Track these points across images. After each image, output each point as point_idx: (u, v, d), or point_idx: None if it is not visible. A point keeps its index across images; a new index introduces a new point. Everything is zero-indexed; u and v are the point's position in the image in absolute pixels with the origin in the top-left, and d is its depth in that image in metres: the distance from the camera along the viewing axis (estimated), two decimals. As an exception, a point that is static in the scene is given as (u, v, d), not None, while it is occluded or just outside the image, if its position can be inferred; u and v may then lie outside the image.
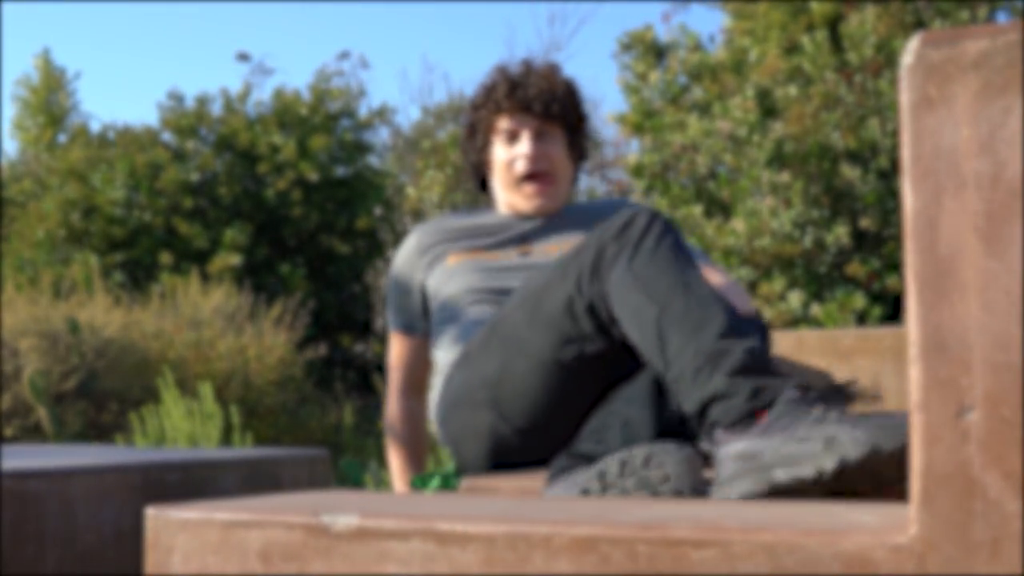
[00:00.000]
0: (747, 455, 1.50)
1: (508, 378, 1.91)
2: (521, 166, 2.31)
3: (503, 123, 2.33)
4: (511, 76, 2.34)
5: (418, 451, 2.42)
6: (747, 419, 1.54)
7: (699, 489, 1.53)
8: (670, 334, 1.67)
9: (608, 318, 1.82)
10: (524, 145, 2.31)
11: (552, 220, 2.35)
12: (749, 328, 1.69)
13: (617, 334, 1.82)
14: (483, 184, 2.45)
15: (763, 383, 1.57)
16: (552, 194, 2.34)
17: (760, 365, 1.60)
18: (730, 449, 1.52)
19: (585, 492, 1.59)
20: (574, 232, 2.31)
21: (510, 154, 2.33)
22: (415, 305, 2.38)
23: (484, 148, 2.38)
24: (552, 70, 2.36)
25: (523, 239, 2.32)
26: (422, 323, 2.39)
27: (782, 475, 1.45)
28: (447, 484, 2.07)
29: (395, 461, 2.43)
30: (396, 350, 2.45)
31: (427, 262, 2.35)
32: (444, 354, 2.24)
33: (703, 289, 1.72)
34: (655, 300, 1.72)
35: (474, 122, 2.38)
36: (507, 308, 2.01)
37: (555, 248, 2.29)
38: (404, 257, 2.40)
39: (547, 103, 2.30)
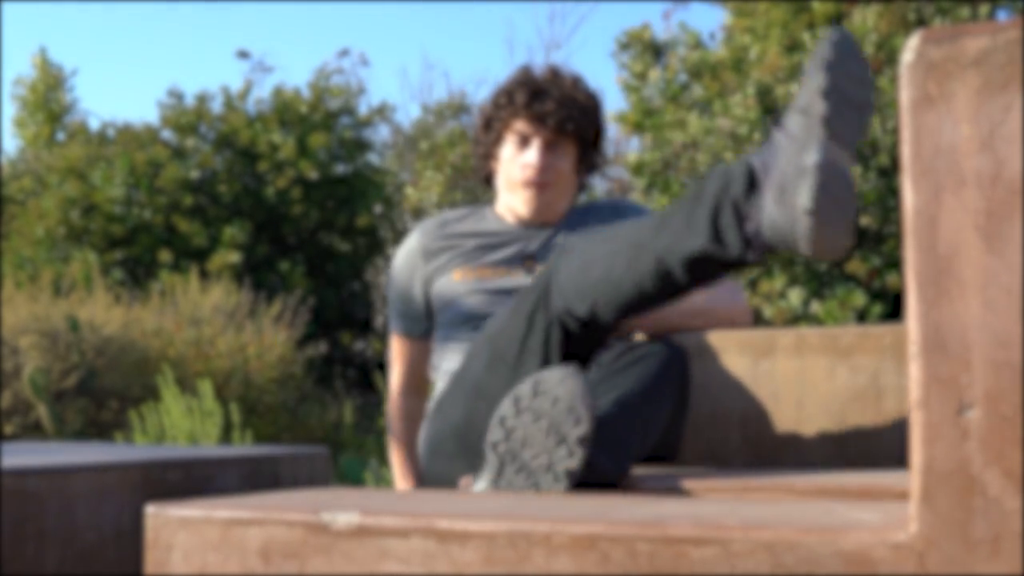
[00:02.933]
0: (779, 188, 1.64)
1: (473, 425, 1.95)
2: (526, 173, 2.31)
3: (518, 126, 2.33)
4: (534, 83, 2.34)
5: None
6: (752, 193, 1.68)
7: (588, 403, 1.61)
8: (645, 242, 1.79)
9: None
10: (532, 154, 2.31)
11: (554, 232, 2.35)
12: None
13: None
14: (487, 178, 2.45)
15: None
16: (548, 202, 2.33)
17: None
18: (766, 209, 1.66)
19: (495, 446, 1.64)
20: None
21: (518, 158, 2.33)
22: (417, 308, 2.38)
23: (496, 143, 2.38)
24: (576, 82, 2.36)
25: (527, 255, 2.32)
26: (423, 325, 2.40)
27: (811, 158, 1.61)
28: None
29: (397, 459, 2.45)
30: (397, 351, 2.46)
31: (431, 269, 2.34)
32: (448, 364, 2.27)
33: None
34: (613, 241, 1.84)
35: (491, 118, 2.38)
36: (467, 358, 2.05)
37: None
38: (406, 259, 2.39)
39: (563, 119, 2.29)
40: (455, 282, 2.30)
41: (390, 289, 2.45)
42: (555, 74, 2.37)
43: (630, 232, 1.83)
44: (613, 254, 1.81)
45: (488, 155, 2.41)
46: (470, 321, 2.26)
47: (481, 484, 1.67)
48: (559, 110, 2.30)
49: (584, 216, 2.39)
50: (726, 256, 1.71)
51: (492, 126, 2.38)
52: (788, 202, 1.61)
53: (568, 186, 2.36)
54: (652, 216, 1.85)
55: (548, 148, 2.32)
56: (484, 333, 2.04)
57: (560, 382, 1.61)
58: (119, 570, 1.83)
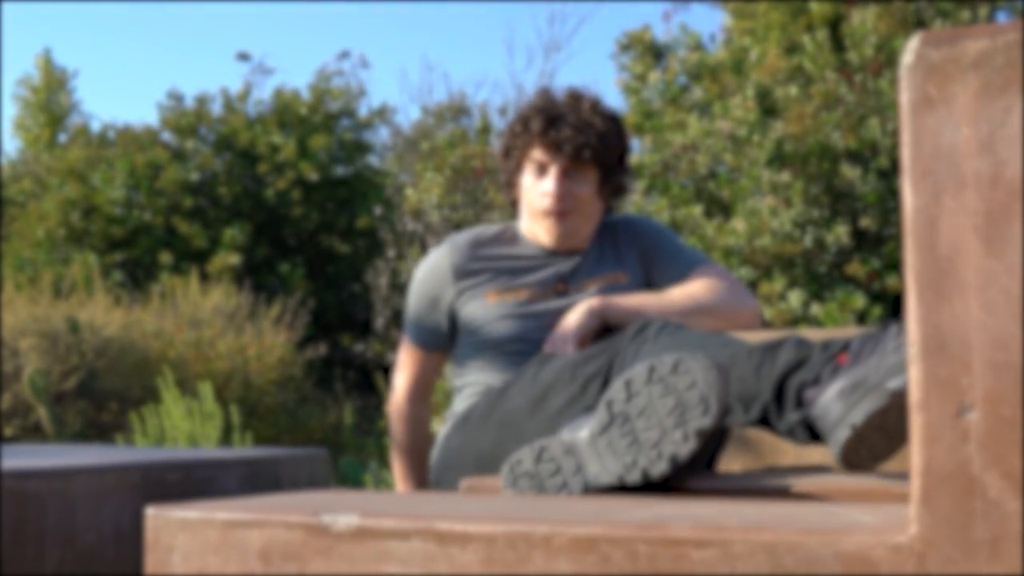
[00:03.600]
0: (852, 386, 1.57)
1: (497, 457, 1.95)
2: (544, 203, 2.30)
3: (535, 154, 2.31)
4: (550, 108, 2.31)
5: (422, 455, 2.42)
6: (829, 368, 1.62)
7: (722, 400, 1.58)
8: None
9: None
10: (550, 183, 2.29)
11: (584, 257, 2.35)
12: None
13: None
14: (513, 203, 2.44)
15: (826, 343, 1.67)
16: (571, 230, 2.32)
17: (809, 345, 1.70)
18: (829, 393, 1.59)
19: (611, 403, 1.61)
20: (606, 265, 2.34)
21: (537, 187, 2.32)
22: (440, 324, 2.36)
23: (515, 171, 2.37)
24: (594, 106, 2.32)
25: (560, 278, 2.32)
26: (442, 340, 2.38)
27: (896, 383, 1.52)
28: None
29: (398, 465, 2.44)
30: (409, 361, 2.43)
31: (461, 288, 2.32)
32: (471, 378, 2.28)
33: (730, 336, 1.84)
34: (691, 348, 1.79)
35: (509, 146, 2.36)
36: (513, 389, 2.04)
37: (591, 284, 2.31)
38: (434, 274, 2.36)
39: (579, 146, 2.26)
40: (489, 304, 2.29)
41: (411, 299, 2.41)
42: (574, 98, 2.33)
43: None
44: None
45: (510, 183, 2.40)
46: (501, 344, 2.26)
47: (583, 433, 1.65)
48: (575, 137, 2.26)
49: (608, 235, 2.39)
50: (773, 426, 1.72)
51: (511, 154, 2.36)
52: (848, 405, 1.57)
53: (591, 211, 2.34)
54: (725, 346, 1.80)
55: (565, 176, 2.30)
56: (533, 374, 2.03)
57: (704, 370, 1.58)
58: (119, 571, 1.83)
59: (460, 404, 2.29)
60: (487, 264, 2.34)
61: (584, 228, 2.34)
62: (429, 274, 2.37)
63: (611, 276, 2.33)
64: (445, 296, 2.34)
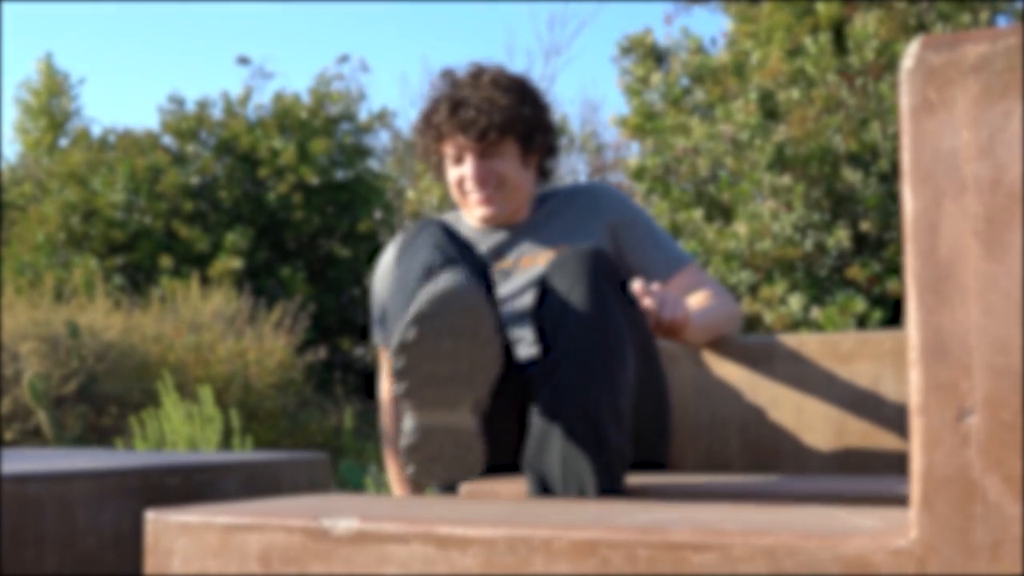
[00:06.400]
0: None
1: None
2: (465, 188, 2.30)
3: (446, 147, 2.30)
4: (449, 95, 2.27)
5: None
6: None
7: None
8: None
9: None
10: (466, 168, 2.28)
11: (524, 230, 2.32)
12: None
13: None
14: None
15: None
16: (501, 201, 2.29)
17: None
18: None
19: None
20: (547, 235, 2.29)
21: (458, 174, 2.31)
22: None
23: (439, 168, 2.36)
24: (496, 79, 2.28)
25: (497, 254, 2.30)
26: None
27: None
28: None
29: (393, 467, 2.45)
30: (384, 361, 2.45)
31: None
32: None
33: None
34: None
35: (423, 144, 2.35)
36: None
37: (530, 259, 2.27)
38: (383, 272, 2.39)
39: (484, 127, 2.23)
40: None
41: (373, 301, 2.43)
42: (473, 76, 2.29)
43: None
44: None
45: (439, 176, 2.39)
46: None
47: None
48: (479, 117, 2.23)
49: (556, 204, 2.34)
50: None
51: (430, 149, 2.34)
52: None
53: (518, 182, 2.30)
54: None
55: (482, 157, 2.27)
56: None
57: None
58: (118, 575, 1.83)
59: None
60: None
61: (514, 200, 2.30)
62: (380, 273, 2.40)
63: (557, 250, 2.25)
64: None
